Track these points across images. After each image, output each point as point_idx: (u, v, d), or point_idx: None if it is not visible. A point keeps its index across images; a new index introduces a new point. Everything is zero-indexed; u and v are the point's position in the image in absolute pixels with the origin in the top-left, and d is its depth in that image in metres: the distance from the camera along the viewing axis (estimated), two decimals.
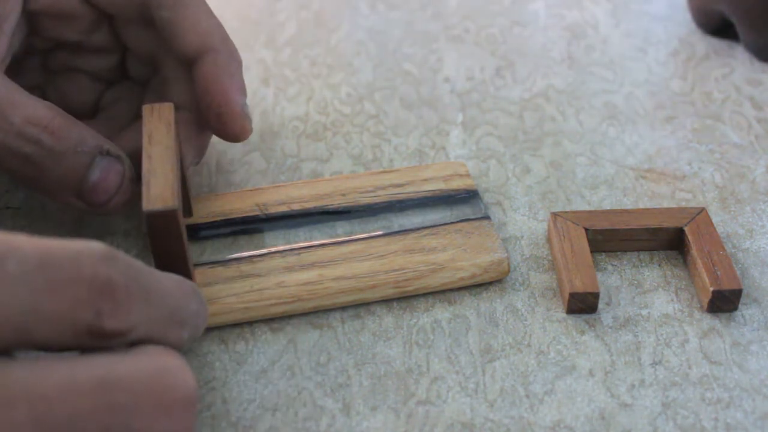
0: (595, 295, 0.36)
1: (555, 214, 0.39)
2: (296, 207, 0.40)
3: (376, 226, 0.39)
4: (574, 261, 0.37)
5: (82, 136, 0.35)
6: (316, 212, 0.40)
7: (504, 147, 0.45)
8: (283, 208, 0.40)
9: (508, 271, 0.37)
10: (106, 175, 0.36)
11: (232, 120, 0.38)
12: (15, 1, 0.36)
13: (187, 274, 0.33)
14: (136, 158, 0.35)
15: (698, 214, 0.39)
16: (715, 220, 0.40)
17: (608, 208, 0.41)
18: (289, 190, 0.41)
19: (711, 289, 0.35)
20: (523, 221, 0.41)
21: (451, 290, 0.37)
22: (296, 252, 0.38)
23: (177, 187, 0.32)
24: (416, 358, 0.35)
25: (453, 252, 0.37)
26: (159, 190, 0.32)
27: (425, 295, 0.37)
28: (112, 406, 0.24)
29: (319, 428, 0.32)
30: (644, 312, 0.36)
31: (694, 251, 0.37)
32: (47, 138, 0.34)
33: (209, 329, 0.36)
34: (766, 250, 0.39)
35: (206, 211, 0.40)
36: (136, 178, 0.36)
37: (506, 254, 0.37)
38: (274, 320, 0.36)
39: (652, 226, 0.38)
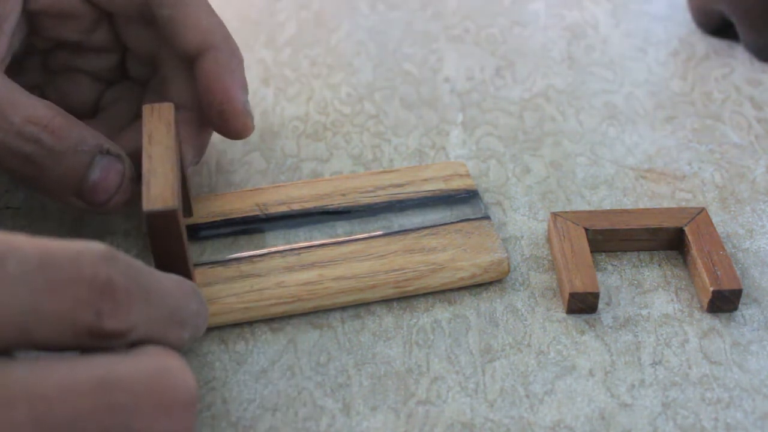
0: (595, 295, 0.36)
1: (555, 214, 0.39)
2: (296, 207, 0.40)
3: (376, 226, 0.39)
4: (574, 261, 0.37)
5: (82, 135, 0.35)
6: (316, 212, 0.40)
7: (504, 147, 0.45)
8: (283, 208, 0.40)
9: (508, 271, 0.37)
10: (106, 174, 0.36)
11: (234, 117, 0.38)
12: (15, 1, 0.36)
13: (187, 274, 0.33)
14: (136, 158, 0.35)
15: (698, 214, 0.39)
16: (715, 220, 0.40)
17: (608, 208, 0.41)
18: (289, 190, 0.41)
19: (711, 289, 0.35)
20: (523, 221, 0.41)
21: (451, 290, 0.37)
22: (296, 252, 0.38)
23: (177, 187, 0.32)
24: (416, 358, 0.35)
25: (453, 252, 0.37)
26: (159, 190, 0.32)
27: (425, 295, 0.37)
28: (112, 407, 0.24)
29: (319, 428, 0.32)
30: (644, 312, 0.36)
31: (694, 251, 0.37)
32: (47, 137, 0.34)
33: (209, 329, 0.36)
34: (766, 250, 0.39)
35: (206, 211, 0.40)
36: (136, 177, 0.36)
37: (506, 254, 0.37)
38: (274, 320, 0.36)
39: (652, 226, 0.38)
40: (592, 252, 0.38)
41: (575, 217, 0.39)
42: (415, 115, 0.47)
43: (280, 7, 0.57)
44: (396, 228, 0.39)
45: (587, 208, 0.41)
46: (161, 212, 0.31)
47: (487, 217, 0.39)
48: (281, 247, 0.38)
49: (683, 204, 0.41)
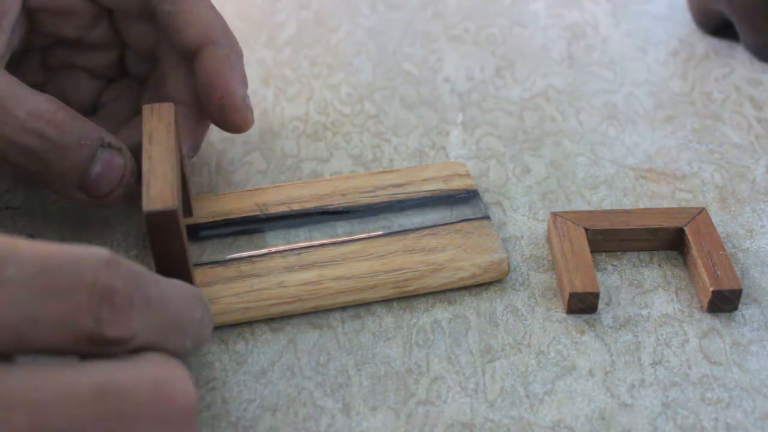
0: (595, 295, 0.36)
1: (555, 214, 0.39)
2: (296, 207, 0.40)
3: (376, 226, 0.39)
4: (574, 261, 0.37)
5: (84, 128, 0.35)
6: (316, 212, 0.40)
7: (504, 147, 0.45)
8: (283, 208, 0.40)
9: (508, 271, 0.37)
10: (108, 167, 0.36)
11: (234, 112, 0.38)
12: None
13: (187, 274, 0.33)
14: (135, 153, 0.36)
15: (698, 214, 0.39)
16: (715, 220, 0.40)
17: (608, 208, 0.41)
18: (289, 190, 0.41)
19: (711, 289, 0.35)
20: (523, 221, 0.41)
21: (451, 290, 0.37)
22: (296, 252, 0.38)
23: (177, 187, 0.32)
24: (416, 358, 0.35)
25: (453, 252, 0.37)
26: (159, 190, 0.32)
27: (425, 295, 0.37)
28: (111, 415, 0.24)
29: (319, 428, 0.32)
30: (644, 312, 0.36)
31: (694, 251, 0.37)
32: (51, 131, 0.34)
33: None
34: (766, 250, 0.39)
35: (206, 211, 0.40)
36: (137, 171, 0.37)
37: (506, 254, 0.37)
38: (274, 320, 0.36)
39: (652, 226, 0.38)
40: (592, 252, 0.38)
41: (575, 217, 0.39)
42: (415, 115, 0.47)
43: (280, 7, 0.57)
44: (396, 228, 0.39)
45: (587, 208, 0.41)
46: (161, 212, 0.31)
47: (487, 217, 0.39)
48: (281, 247, 0.38)
49: (683, 204, 0.41)
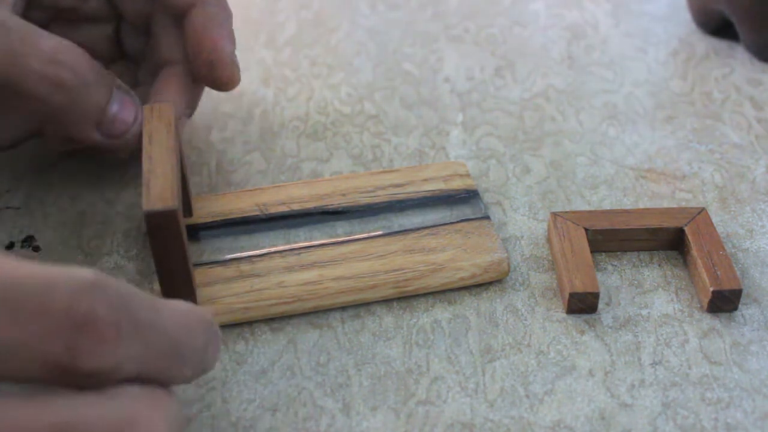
0: (595, 295, 0.36)
1: (555, 214, 0.39)
2: (296, 207, 0.40)
3: (376, 226, 0.39)
4: (574, 261, 0.37)
5: (101, 68, 0.36)
6: (316, 212, 0.40)
7: (504, 147, 0.45)
8: (283, 208, 0.40)
9: (508, 271, 0.37)
10: (123, 107, 0.37)
11: (221, 67, 0.39)
12: None
13: (187, 274, 0.33)
14: None
15: (698, 214, 0.39)
16: (715, 220, 0.40)
17: (608, 208, 0.41)
18: (289, 190, 0.41)
19: (711, 289, 0.35)
20: (523, 221, 0.41)
21: (451, 290, 0.37)
22: (296, 252, 0.38)
23: (177, 187, 0.32)
24: (416, 358, 0.35)
25: (453, 252, 0.37)
26: (159, 190, 0.32)
27: (425, 295, 0.37)
28: None
29: (319, 428, 0.32)
30: (644, 312, 0.36)
31: (694, 251, 0.37)
32: (76, 64, 0.35)
33: None
34: (766, 250, 0.39)
35: (206, 211, 0.40)
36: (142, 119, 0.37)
37: (506, 254, 0.37)
38: (274, 320, 0.36)
39: (652, 226, 0.38)
40: (592, 252, 0.38)
41: (575, 217, 0.39)
42: (415, 115, 0.47)
43: (280, 7, 0.57)
44: (396, 228, 0.39)
45: (587, 208, 0.41)
46: (161, 212, 0.31)
47: (487, 217, 0.39)
48: (281, 247, 0.38)
49: (683, 204, 0.41)
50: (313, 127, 0.47)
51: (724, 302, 0.36)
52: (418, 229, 0.39)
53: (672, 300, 0.37)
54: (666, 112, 0.47)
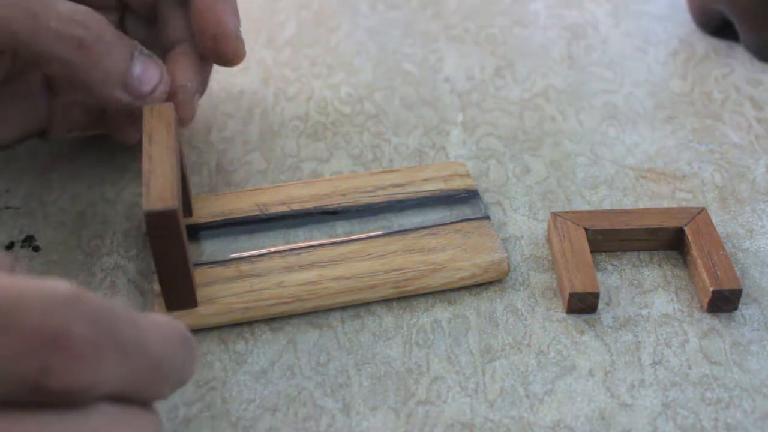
0: (595, 295, 0.36)
1: (555, 214, 0.39)
2: (296, 207, 0.40)
3: (375, 226, 0.39)
4: (574, 261, 0.37)
5: (119, 32, 0.36)
6: (316, 212, 0.40)
7: (504, 147, 0.45)
8: (283, 208, 0.40)
9: (508, 271, 0.37)
10: (147, 68, 0.37)
11: (226, 42, 0.39)
12: None
13: (187, 274, 0.33)
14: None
15: (698, 214, 0.39)
16: (715, 220, 0.40)
17: (608, 208, 0.41)
18: (289, 190, 0.41)
19: (711, 289, 0.35)
20: (523, 221, 0.41)
21: (451, 290, 0.37)
22: (296, 252, 0.38)
23: (177, 187, 0.32)
24: (416, 358, 0.35)
25: (453, 252, 0.37)
26: (159, 190, 0.32)
27: (425, 295, 0.37)
28: None
29: (319, 428, 0.32)
30: (644, 312, 0.36)
31: (694, 251, 0.37)
32: (95, 25, 0.35)
33: (209, 329, 0.36)
34: (766, 250, 0.39)
35: (206, 211, 0.40)
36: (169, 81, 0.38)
37: (506, 254, 0.37)
38: (274, 320, 0.36)
39: (652, 226, 0.38)
40: (592, 252, 0.38)
41: (575, 217, 0.39)
42: (415, 115, 0.47)
43: (280, 7, 0.57)
44: (396, 228, 0.39)
45: (587, 208, 0.41)
46: (161, 212, 0.31)
47: (487, 217, 0.39)
48: (281, 247, 0.38)
49: (683, 204, 0.41)
50: (313, 127, 0.47)
51: (724, 302, 0.36)
52: (417, 229, 0.39)
53: (672, 300, 0.37)
54: (666, 112, 0.47)
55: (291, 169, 0.44)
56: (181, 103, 0.38)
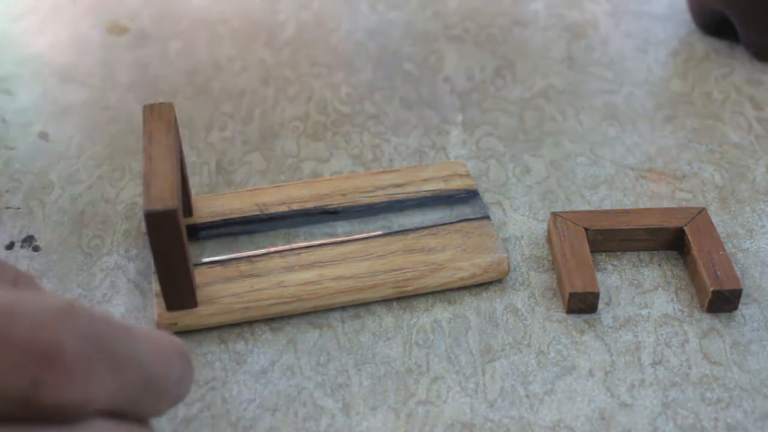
0: (595, 295, 0.36)
1: (555, 214, 0.39)
2: (296, 207, 0.40)
3: (375, 226, 0.39)
4: (574, 261, 0.37)
5: None
6: (316, 212, 0.40)
7: (504, 147, 0.45)
8: (283, 208, 0.40)
9: (508, 271, 0.37)
10: None
11: None
12: None
13: (187, 274, 0.33)
14: None
15: (698, 214, 0.39)
16: (715, 220, 0.40)
17: (608, 208, 0.41)
18: (289, 190, 0.41)
19: (711, 289, 0.35)
20: (523, 221, 0.41)
21: (451, 290, 0.37)
22: (296, 252, 0.38)
23: (177, 187, 0.32)
24: (416, 358, 0.35)
25: (453, 252, 0.37)
26: (159, 190, 0.32)
27: (425, 295, 0.37)
28: None
29: (319, 428, 0.32)
30: (644, 312, 0.36)
31: (694, 251, 0.37)
32: None
33: (209, 329, 0.36)
34: (766, 250, 0.39)
35: (206, 211, 0.40)
36: None
37: (506, 254, 0.37)
38: (274, 320, 0.36)
39: (652, 226, 0.38)
40: (592, 252, 0.38)
41: (575, 217, 0.39)
42: (415, 115, 0.47)
43: (280, 7, 0.57)
44: (396, 228, 0.39)
45: (587, 208, 0.41)
46: (161, 212, 0.31)
47: (487, 217, 0.39)
48: (281, 247, 0.38)
49: (683, 204, 0.41)
50: (313, 127, 0.47)
51: (724, 302, 0.36)
52: (418, 229, 0.39)
53: (672, 300, 0.37)
54: (666, 112, 0.47)
55: (291, 169, 0.44)
56: None
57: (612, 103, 0.48)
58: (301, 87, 0.50)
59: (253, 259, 0.37)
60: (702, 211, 0.39)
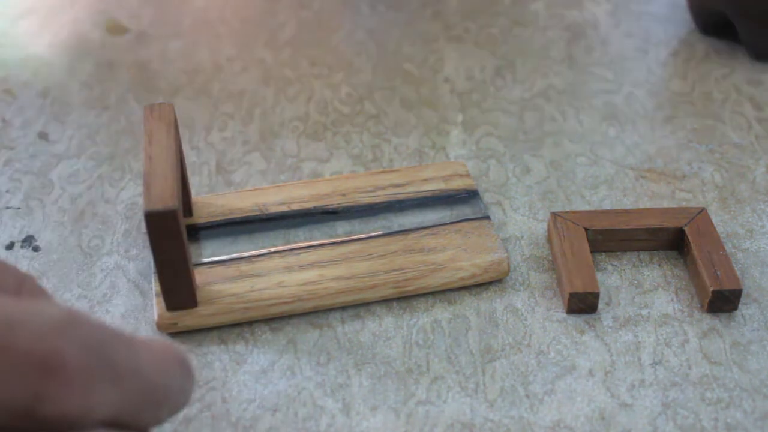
0: (595, 295, 0.36)
1: (555, 214, 0.39)
2: (296, 207, 0.40)
3: (376, 226, 0.39)
4: (574, 261, 0.37)
5: None
6: (316, 212, 0.40)
7: (504, 147, 0.45)
8: (283, 208, 0.40)
9: (508, 271, 0.37)
10: None
11: None
12: None
13: (187, 274, 0.33)
14: None
15: (698, 214, 0.39)
16: (715, 220, 0.40)
17: (608, 208, 0.41)
18: (289, 190, 0.41)
19: (711, 289, 0.35)
20: (523, 221, 0.41)
21: (451, 290, 0.37)
22: (296, 252, 0.38)
23: (177, 187, 0.32)
24: (416, 358, 0.35)
25: (453, 252, 0.37)
26: (159, 190, 0.32)
27: (425, 295, 0.37)
28: None
29: (319, 428, 0.32)
30: (644, 312, 0.36)
31: (694, 251, 0.37)
32: None
33: (209, 329, 0.36)
34: (766, 250, 0.39)
35: (206, 211, 0.40)
36: None
37: (506, 254, 0.37)
38: (274, 320, 0.36)
39: (652, 226, 0.38)
40: (592, 252, 0.38)
41: (575, 217, 0.39)
42: (415, 115, 0.47)
43: (280, 7, 0.57)
44: (396, 228, 0.39)
45: (587, 208, 0.41)
46: (161, 212, 0.31)
47: (487, 217, 0.39)
48: (281, 247, 0.38)
49: (683, 204, 0.41)
50: (313, 127, 0.47)
51: (724, 302, 0.36)
52: (418, 229, 0.39)
53: (672, 300, 0.37)
54: (666, 112, 0.47)
55: (291, 169, 0.44)
56: None
57: (612, 103, 0.48)
58: (301, 87, 0.50)
59: (253, 259, 0.37)
60: (702, 211, 0.39)
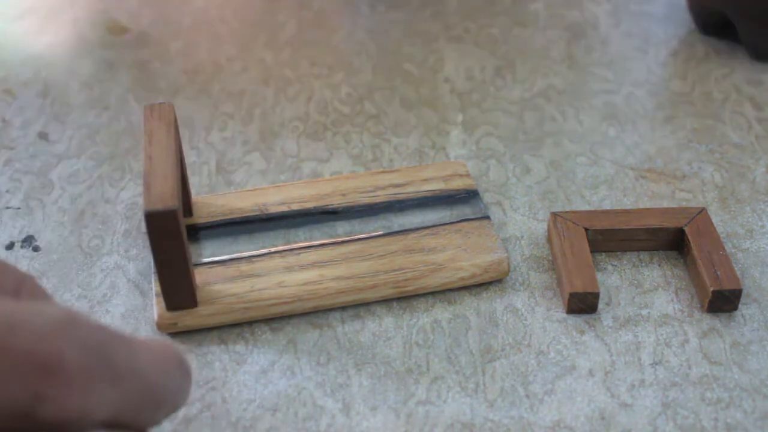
0: (595, 295, 0.36)
1: (555, 214, 0.39)
2: (296, 207, 0.40)
3: (376, 226, 0.39)
4: (574, 261, 0.37)
5: None
6: (316, 212, 0.40)
7: (504, 147, 0.45)
8: (283, 208, 0.40)
9: (508, 271, 0.37)
10: None
11: None
12: None
13: (187, 274, 0.33)
14: None
15: (698, 214, 0.39)
16: (715, 220, 0.40)
17: (608, 208, 0.41)
18: (289, 190, 0.41)
19: (711, 289, 0.35)
20: (523, 221, 0.41)
21: (451, 290, 0.37)
22: (296, 252, 0.38)
23: (177, 187, 0.32)
24: (416, 358, 0.35)
25: (453, 252, 0.37)
26: (159, 190, 0.32)
27: (425, 295, 0.37)
28: None
29: (319, 428, 0.32)
30: (644, 312, 0.36)
31: (694, 251, 0.37)
32: None
33: (209, 329, 0.36)
34: (766, 250, 0.39)
35: (206, 211, 0.40)
36: None
37: (506, 254, 0.37)
38: (274, 320, 0.36)
39: (652, 226, 0.38)
40: (592, 252, 0.38)
41: (575, 217, 0.39)
42: (415, 115, 0.47)
43: (280, 7, 0.57)
44: (396, 228, 0.39)
45: (587, 208, 0.41)
46: (161, 212, 0.31)
47: (487, 217, 0.39)
48: (281, 247, 0.38)
49: (683, 204, 0.41)
50: (313, 127, 0.47)
51: (724, 302, 0.36)
52: (418, 229, 0.39)
53: (672, 300, 0.37)
54: (666, 112, 0.47)
55: (291, 169, 0.44)
56: None
57: (612, 103, 0.48)
58: (301, 87, 0.50)
59: (253, 259, 0.37)
60: (702, 211, 0.39)
